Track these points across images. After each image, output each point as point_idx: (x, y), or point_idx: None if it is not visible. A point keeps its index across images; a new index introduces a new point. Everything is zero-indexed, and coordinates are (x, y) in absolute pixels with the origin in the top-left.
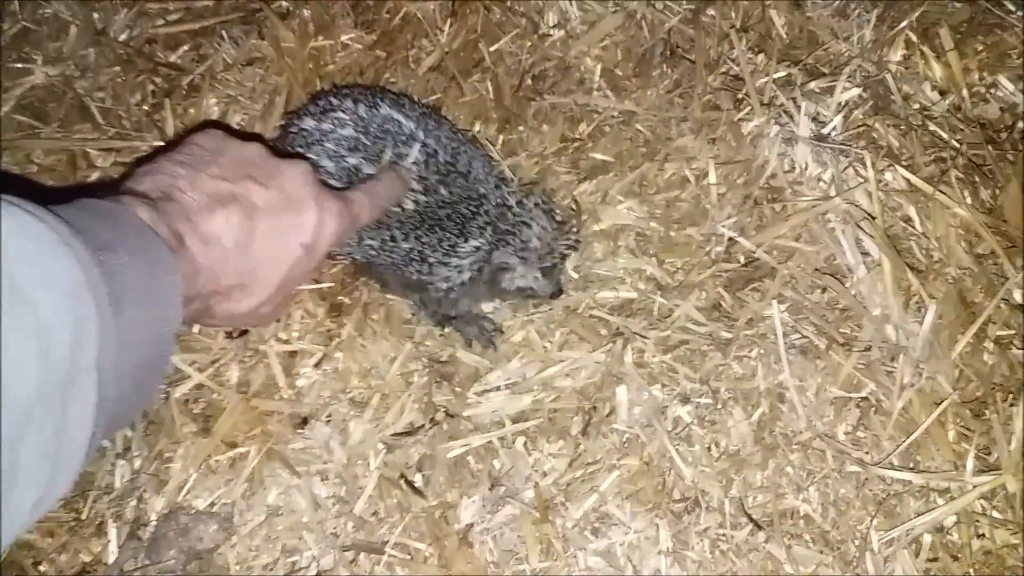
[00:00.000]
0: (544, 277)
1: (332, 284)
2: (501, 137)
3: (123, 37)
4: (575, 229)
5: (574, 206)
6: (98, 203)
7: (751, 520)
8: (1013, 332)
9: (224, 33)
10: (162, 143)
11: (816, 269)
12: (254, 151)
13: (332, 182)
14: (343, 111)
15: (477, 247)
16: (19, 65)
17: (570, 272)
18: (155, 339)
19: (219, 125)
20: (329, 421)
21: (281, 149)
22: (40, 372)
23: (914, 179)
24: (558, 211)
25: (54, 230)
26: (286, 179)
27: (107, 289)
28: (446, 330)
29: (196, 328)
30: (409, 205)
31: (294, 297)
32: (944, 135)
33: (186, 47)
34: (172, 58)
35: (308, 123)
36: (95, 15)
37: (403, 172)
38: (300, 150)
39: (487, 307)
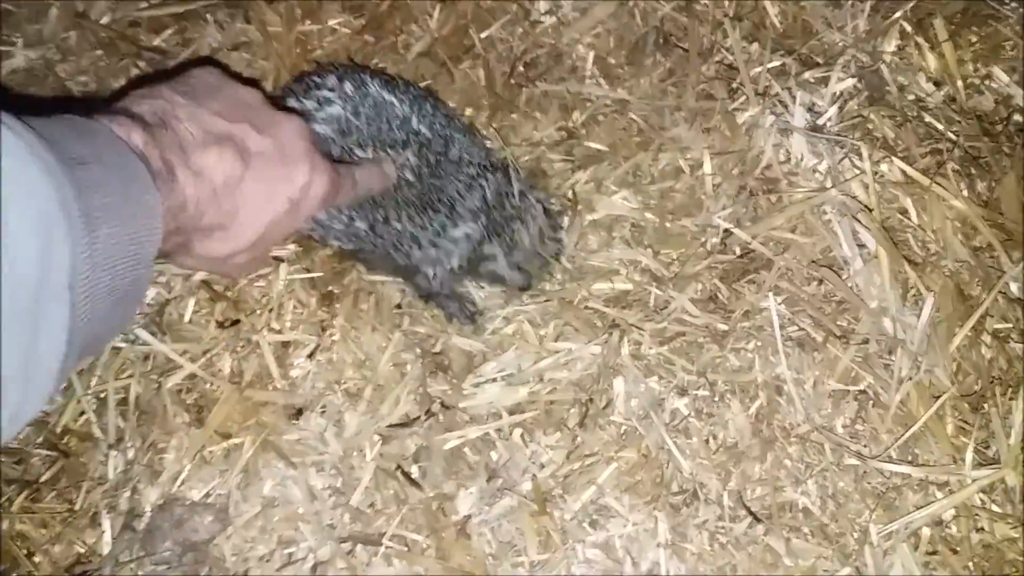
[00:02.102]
0: (519, 272)
1: (322, 273)
2: (493, 124)
3: (105, 20)
4: (564, 233)
5: (570, 197)
6: (74, 118)
7: (750, 513)
8: (1011, 325)
9: (209, 17)
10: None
11: (812, 261)
12: (253, 96)
13: None
14: (328, 89)
15: (468, 234)
16: None
17: (564, 263)
18: (132, 259)
19: (218, 64)
20: (324, 412)
21: (278, 101)
22: (6, 293)
23: (910, 171)
24: (555, 212)
25: (23, 139)
26: (282, 130)
27: (79, 205)
28: (430, 304)
29: (187, 317)
30: (403, 188)
31: (268, 255)
32: (940, 127)
33: (170, 31)
34: (156, 42)
35: (291, 103)
36: None
37: (387, 167)
38: None
39: (480, 292)
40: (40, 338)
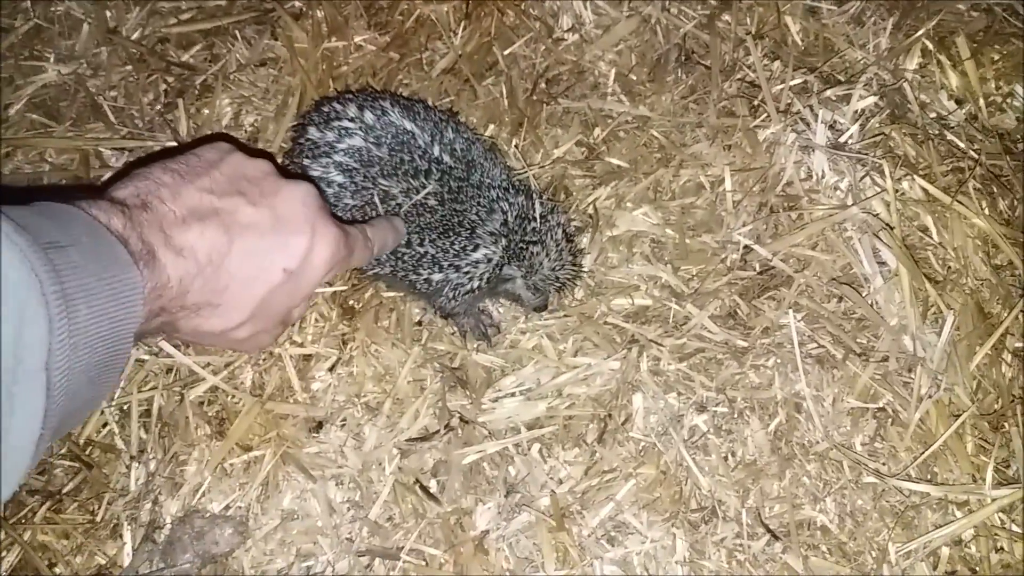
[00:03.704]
0: (536, 292)
1: (343, 288)
2: (514, 140)
3: (135, 36)
4: (583, 256)
5: (591, 213)
6: (51, 205)
7: (768, 530)
8: None
9: (237, 33)
10: (175, 143)
11: (832, 278)
12: (255, 168)
13: (347, 198)
14: (348, 119)
15: (488, 257)
16: (31, 63)
17: (584, 282)
18: (111, 338)
19: (231, 140)
20: (344, 425)
21: (292, 171)
22: None
23: (932, 189)
24: (575, 237)
25: None
26: (281, 199)
27: (55, 288)
28: (447, 320)
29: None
30: (424, 213)
31: (283, 331)
32: (961, 144)
33: (199, 47)
34: (185, 57)
35: (312, 133)
36: (107, 13)
37: (398, 222)
38: (308, 162)
39: (498, 307)
40: (15, 419)
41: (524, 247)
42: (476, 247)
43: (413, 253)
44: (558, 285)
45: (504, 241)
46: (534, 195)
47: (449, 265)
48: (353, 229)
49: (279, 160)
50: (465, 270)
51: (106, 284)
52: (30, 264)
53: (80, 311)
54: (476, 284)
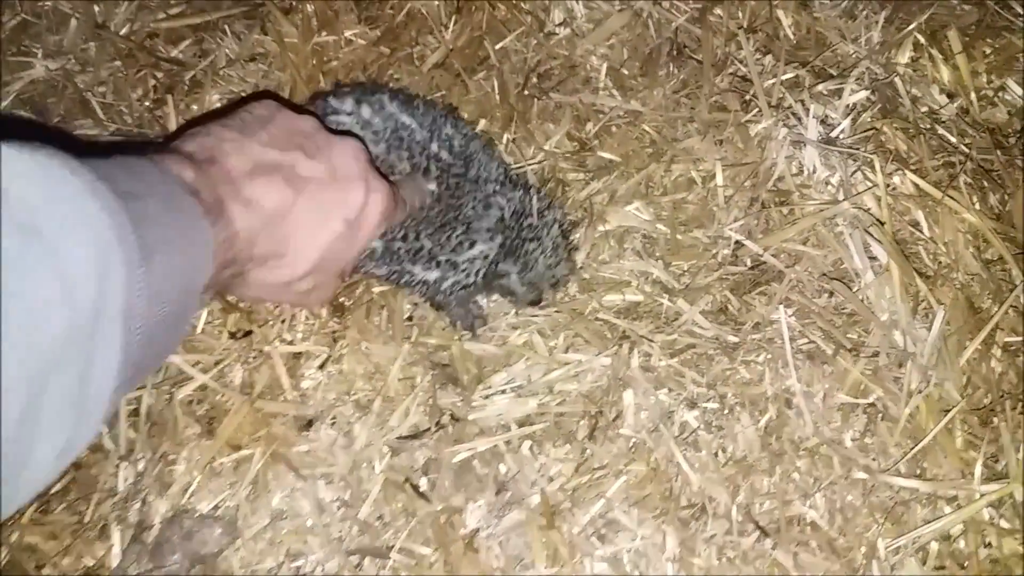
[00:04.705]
0: (531, 287)
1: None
2: (506, 135)
3: (124, 31)
4: (578, 253)
5: (586, 208)
6: (127, 158)
7: (758, 527)
8: (1021, 339)
9: (226, 28)
10: (163, 139)
11: (823, 274)
12: (307, 123)
13: None
14: (345, 114)
15: (484, 253)
16: (19, 59)
17: (576, 278)
18: (183, 289)
19: (276, 97)
20: (334, 423)
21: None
22: (64, 319)
23: (923, 184)
24: (571, 232)
25: (79, 176)
26: (335, 153)
27: (135, 237)
28: (438, 312)
29: (199, 328)
30: (422, 208)
31: (342, 281)
32: (952, 139)
33: (188, 41)
34: (174, 53)
35: None
36: (95, 8)
37: (420, 182)
38: None
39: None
40: (95, 364)
41: (520, 244)
42: (472, 243)
43: (409, 247)
44: (554, 281)
45: (500, 238)
46: (532, 190)
47: (446, 260)
48: (392, 186)
49: None
50: (463, 267)
51: (180, 235)
52: (112, 213)
53: (157, 261)
54: (472, 280)
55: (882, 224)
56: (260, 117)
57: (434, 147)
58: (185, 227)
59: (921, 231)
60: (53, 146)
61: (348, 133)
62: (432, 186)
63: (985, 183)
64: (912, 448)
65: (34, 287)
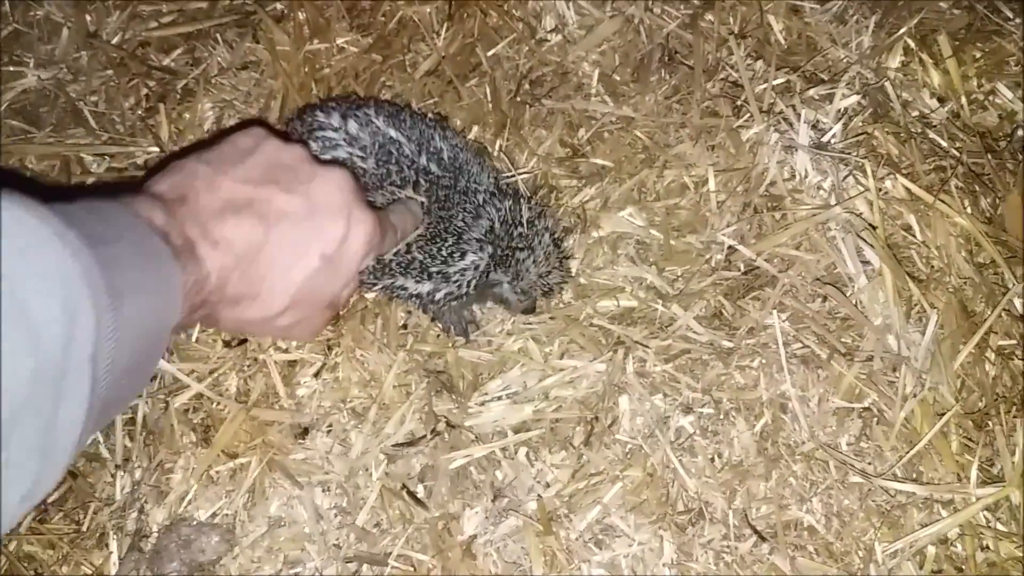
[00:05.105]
0: (523, 296)
1: None
2: (498, 142)
3: (116, 40)
4: (571, 261)
5: (580, 214)
6: (95, 203)
7: (755, 531)
8: (1015, 342)
9: (218, 36)
10: (156, 148)
11: (816, 278)
12: (290, 154)
13: None
14: (332, 129)
15: (475, 263)
16: (10, 68)
17: (571, 283)
18: (153, 332)
19: (265, 125)
20: (330, 431)
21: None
22: (29, 368)
23: (914, 188)
24: (563, 241)
25: (47, 223)
26: (316, 186)
27: (104, 282)
28: (432, 321)
29: (194, 337)
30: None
31: (333, 315)
32: (943, 143)
33: (180, 50)
34: (166, 61)
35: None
36: (87, 17)
37: (414, 206)
38: None
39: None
40: (60, 412)
41: (511, 253)
42: (463, 254)
43: (400, 260)
44: (546, 290)
45: (491, 248)
46: (522, 199)
47: (437, 272)
48: (380, 214)
49: None
50: (454, 279)
51: (150, 279)
52: (80, 259)
53: (126, 304)
54: (464, 291)
55: (874, 228)
56: (242, 149)
57: (423, 160)
58: (155, 270)
59: (913, 235)
60: (21, 193)
61: (337, 162)
62: (422, 199)
63: (976, 187)
64: (908, 452)
65: (2, 337)
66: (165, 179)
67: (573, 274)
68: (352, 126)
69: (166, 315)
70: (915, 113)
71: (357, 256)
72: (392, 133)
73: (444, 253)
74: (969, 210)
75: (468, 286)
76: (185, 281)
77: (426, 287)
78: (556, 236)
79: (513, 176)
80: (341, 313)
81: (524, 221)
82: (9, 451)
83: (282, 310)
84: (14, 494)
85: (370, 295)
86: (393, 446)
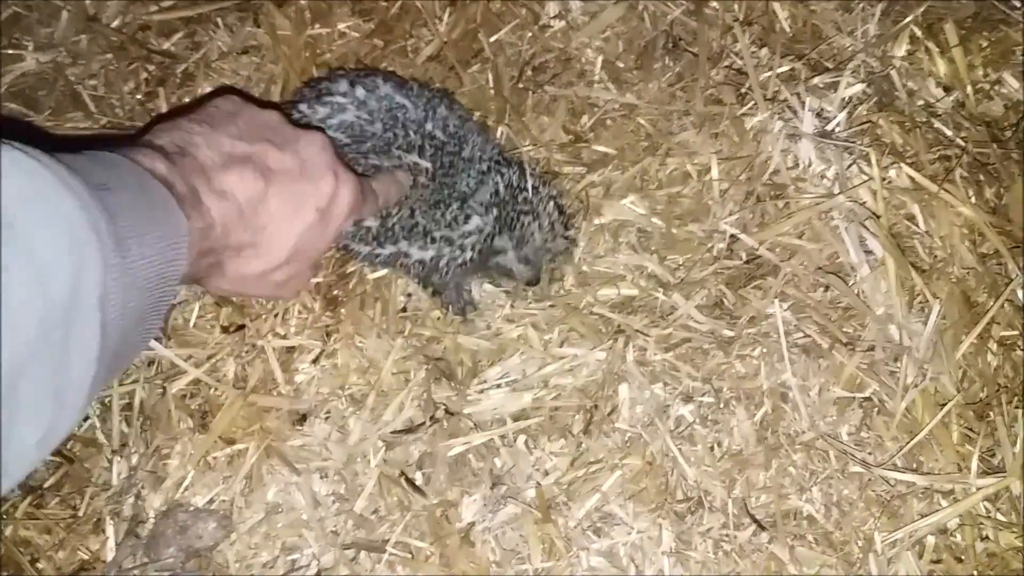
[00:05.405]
0: (528, 265)
1: (326, 275)
2: (500, 128)
3: (116, 23)
4: (577, 231)
5: (582, 199)
6: (98, 152)
7: (754, 520)
8: (1017, 333)
9: (219, 20)
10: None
11: (819, 267)
12: (272, 117)
13: None
14: (340, 94)
15: (479, 227)
16: (9, 51)
17: (576, 259)
18: (160, 278)
19: (238, 92)
20: (328, 418)
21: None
22: (40, 310)
23: (918, 177)
24: (568, 210)
25: (52, 171)
26: (303, 145)
27: (109, 227)
28: (428, 290)
29: (192, 322)
30: (417, 187)
31: (311, 275)
32: (948, 132)
33: (180, 34)
34: (166, 45)
35: (303, 108)
36: (87, 0)
37: (400, 175)
38: None
39: (480, 290)
40: (71, 356)
41: (516, 217)
42: (468, 218)
43: (404, 224)
44: (550, 257)
45: (495, 211)
46: (527, 168)
47: (442, 237)
48: (363, 179)
49: None
50: (458, 243)
51: (156, 225)
52: (86, 205)
53: (132, 251)
54: (469, 255)
55: (878, 218)
56: (227, 111)
57: (429, 126)
58: (160, 217)
59: (917, 225)
60: (25, 142)
61: (313, 127)
62: (427, 164)
63: (981, 177)
64: (908, 442)
65: (7, 282)
66: (163, 134)
67: (577, 243)
68: (360, 91)
69: (173, 262)
70: (920, 102)
71: (343, 214)
72: (399, 98)
73: (449, 217)
74: (973, 200)
75: (472, 250)
76: (191, 228)
77: (430, 252)
78: (560, 203)
79: (518, 150)
80: (340, 298)
81: (529, 187)
82: (20, 394)
83: (281, 262)
84: (30, 437)
85: (372, 276)
86: (391, 433)
